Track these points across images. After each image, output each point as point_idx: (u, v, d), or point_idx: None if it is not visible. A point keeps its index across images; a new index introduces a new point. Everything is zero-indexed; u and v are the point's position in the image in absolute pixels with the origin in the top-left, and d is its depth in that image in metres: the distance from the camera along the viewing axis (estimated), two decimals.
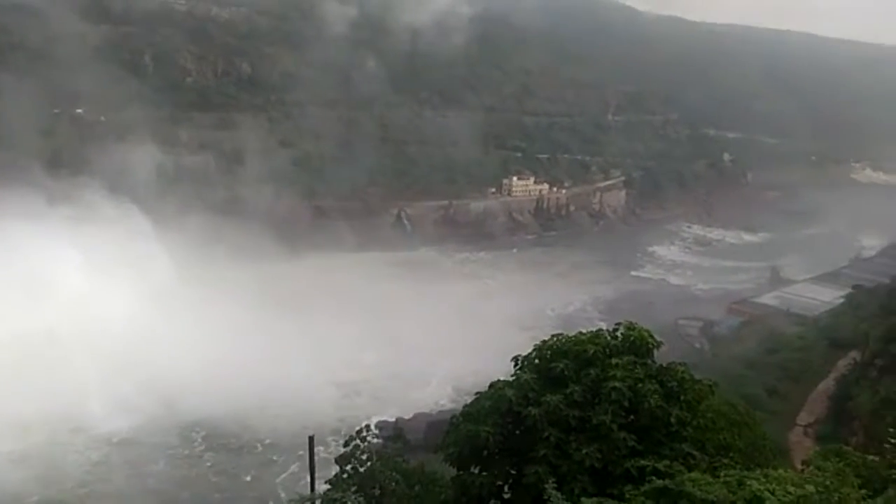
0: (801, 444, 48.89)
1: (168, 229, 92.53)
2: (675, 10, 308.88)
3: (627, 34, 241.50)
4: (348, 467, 19.18)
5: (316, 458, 21.14)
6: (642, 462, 13.15)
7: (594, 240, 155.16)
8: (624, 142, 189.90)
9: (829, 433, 50.10)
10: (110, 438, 64.84)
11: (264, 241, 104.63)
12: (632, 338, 15.43)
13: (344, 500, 16.13)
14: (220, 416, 66.87)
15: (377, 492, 18.62)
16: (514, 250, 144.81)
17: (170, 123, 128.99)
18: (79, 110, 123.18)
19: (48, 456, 59.97)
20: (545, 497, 11.70)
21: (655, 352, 15.54)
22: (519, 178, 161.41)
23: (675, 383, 14.67)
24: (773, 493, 9.99)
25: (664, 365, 15.21)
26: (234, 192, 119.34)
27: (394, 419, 59.93)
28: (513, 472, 14.88)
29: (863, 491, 10.97)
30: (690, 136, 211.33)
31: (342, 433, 21.65)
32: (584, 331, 16.25)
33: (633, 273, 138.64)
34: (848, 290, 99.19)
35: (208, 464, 64.04)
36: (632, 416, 14.27)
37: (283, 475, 61.41)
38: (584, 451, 13.67)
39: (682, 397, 14.64)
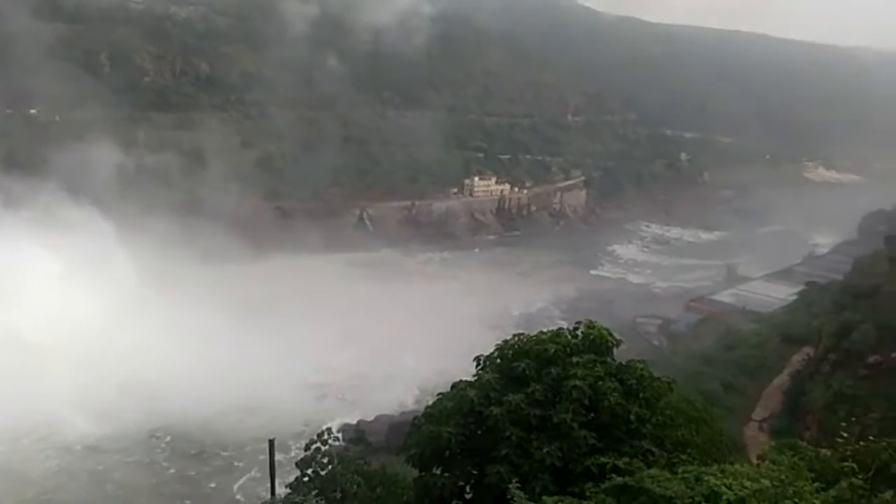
0: (757, 439, 49.85)
1: (131, 231, 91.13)
2: (632, 12, 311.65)
3: (586, 35, 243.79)
4: (309, 471, 19.01)
5: (278, 462, 20.96)
6: (602, 459, 13.29)
7: (555, 239, 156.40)
8: (584, 142, 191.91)
9: (784, 428, 51.15)
10: (73, 446, 63.49)
11: (228, 243, 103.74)
12: (592, 336, 15.58)
13: (304, 503, 16.01)
14: (186, 421, 65.85)
15: (338, 495, 18.50)
16: (477, 250, 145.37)
17: (128, 123, 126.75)
18: (33, 110, 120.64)
19: (8, 464, 58.46)
20: (508, 497, 11.75)
21: (615, 350, 15.71)
22: (480, 179, 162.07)
23: (634, 381, 14.85)
24: (729, 488, 10.16)
25: (624, 363, 15.40)
26: (195, 194, 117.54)
27: (356, 421, 59.64)
28: (475, 472, 14.93)
29: (816, 484, 11.20)
30: (648, 136, 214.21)
31: (306, 437, 21.40)
32: (545, 330, 16.37)
33: (594, 272, 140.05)
34: (801, 287, 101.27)
35: (172, 471, 63.01)
36: (592, 414, 14.41)
37: (242, 480, 60.77)
38: (545, 450, 13.77)
39: (641, 395, 14.83)
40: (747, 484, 10.30)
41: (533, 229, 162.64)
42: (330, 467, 19.03)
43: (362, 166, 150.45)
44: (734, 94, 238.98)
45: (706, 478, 10.59)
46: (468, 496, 15.17)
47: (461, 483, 15.11)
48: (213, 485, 61.50)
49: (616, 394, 14.31)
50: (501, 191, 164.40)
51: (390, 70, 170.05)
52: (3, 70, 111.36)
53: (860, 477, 11.47)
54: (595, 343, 15.52)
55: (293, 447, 42.73)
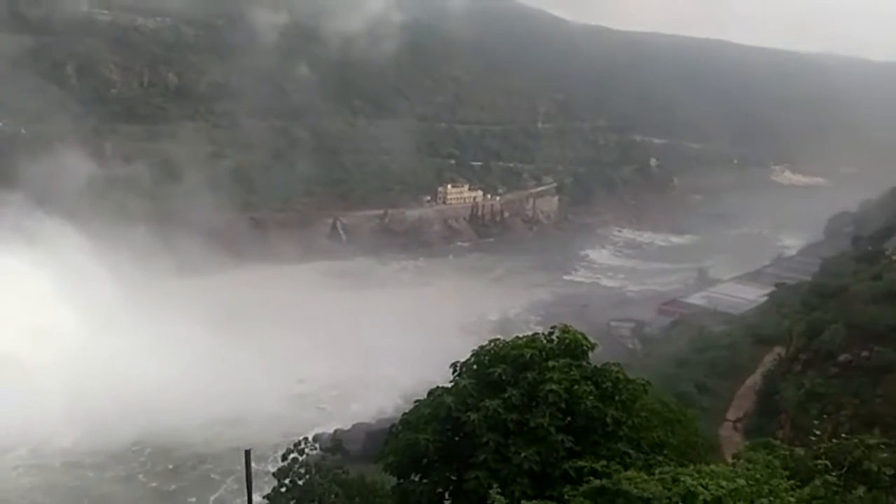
0: (731, 439, 50.33)
1: (106, 243, 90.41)
2: (600, 20, 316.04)
3: (555, 43, 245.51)
4: (286, 481, 18.89)
5: (256, 473, 20.73)
6: (580, 463, 13.33)
7: (529, 245, 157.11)
8: (555, 148, 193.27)
9: (758, 427, 51.64)
10: (52, 462, 62.55)
11: (205, 254, 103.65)
12: (567, 340, 15.63)
13: None
14: (166, 435, 65.19)
15: None
16: (451, 257, 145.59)
17: (95, 135, 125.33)
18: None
19: None
20: (488, 502, 11.75)
21: (590, 353, 15.78)
22: (453, 186, 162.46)
23: (609, 384, 14.92)
24: (706, 488, 10.23)
25: (599, 366, 15.46)
26: (167, 205, 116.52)
27: (333, 431, 59.31)
28: (453, 478, 14.88)
29: (791, 482, 11.32)
30: (618, 142, 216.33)
31: (284, 447, 21.22)
32: (521, 335, 16.41)
33: (567, 277, 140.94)
34: (771, 289, 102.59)
35: (151, 485, 62.21)
36: (569, 418, 14.45)
37: (220, 492, 60.17)
38: (522, 455, 13.77)
39: (616, 397, 14.90)
40: (723, 483, 10.38)
41: (506, 236, 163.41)
42: (307, 477, 18.93)
43: (334, 175, 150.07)
44: (702, 99, 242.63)
45: (683, 478, 10.65)
46: (447, 503, 15.12)
47: (440, 490, 15.07)
48: (192, 499, 60.72)
49: (592, 397, 14.37)
50: (474, 198, 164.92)
51: (360, 79, 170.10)
52: None
53: (833, 474, 11.64)
54: (570, 347, 15.58)
55: (271, 458, 42.39)
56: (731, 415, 58.90)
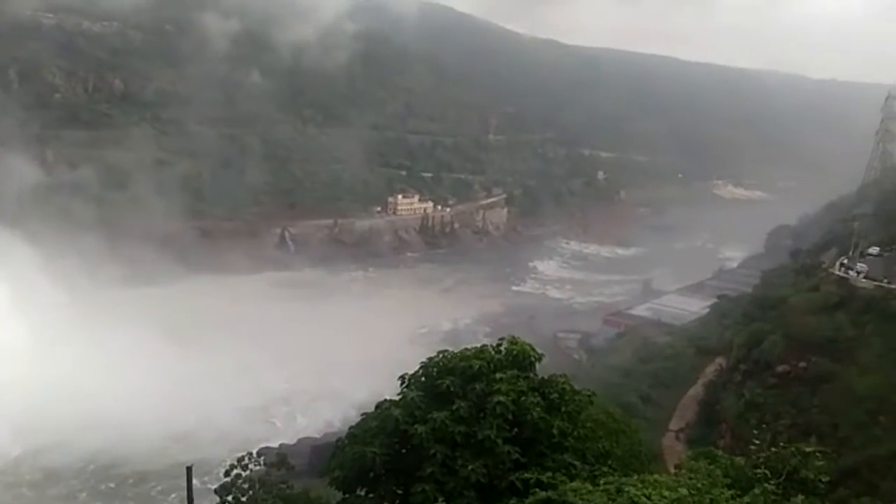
0: (674, 449, 51.23)
1: (51, 251, 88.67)
2: (551, 34, 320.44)
3: (507, 56, 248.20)
4: (229, 497, 18.49)
5: (201, 490, 20.29)
6: (526, 475, 13.36)
7: (478, 256, 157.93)
8: (505, 161, 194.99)
9: (700, 437, 52.66)
10: None
11: (153, 264, 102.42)
12: (515, 352, 15.70)
13: None
14: (111, 450, 63.70)
15: None
16: (402, 268, 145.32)
17: (38, 141, 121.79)
18: None
19: None
20: None
21: (537, 365, 15.86)
22: (404, 197, 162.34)
23: (556, 395, 15.02)
24: (649, 498, 10.36)
25: (546, 377, 15.56)
26: (112, 213, 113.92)
27: (277, 445, 58.34)
28: (400, 491, 14.78)
29: (732, 491, 11.54)
30: (567, 155, 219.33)
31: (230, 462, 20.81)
32: (469, 346, 16.42)
33: (516, 288, 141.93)
34: (713, 300, 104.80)
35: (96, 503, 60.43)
36: (516, 430, 14.49)
37: None
38: (469, 467, 13.75)
39: (563, 408, 15.00)
40: (666, 493, 10.53)
41: (456, 247, 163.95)
42: (251, 493, 18.56)
43: (283, 185, 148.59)
44: (648, 114, 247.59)
45: (627, 488, 10.77)
46: None
47: (386, 503, 14.95)
48: None
49: (539, 408, 14.44)
50: (425, 209, 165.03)
51: (312, 88, 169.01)
52: None
53: (772, 483, 11.92)
54: (518, 358, 15.64)
55: (215, 473, 41.51)
56: (674, 425, 59.98)
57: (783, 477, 12.47)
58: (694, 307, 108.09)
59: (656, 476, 11.93)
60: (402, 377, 16.05)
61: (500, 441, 14.02)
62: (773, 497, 11.65)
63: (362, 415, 16.12)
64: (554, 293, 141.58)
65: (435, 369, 15.67)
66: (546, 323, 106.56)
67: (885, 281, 53.97)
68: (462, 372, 15.29)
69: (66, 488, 61.26)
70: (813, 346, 49.74)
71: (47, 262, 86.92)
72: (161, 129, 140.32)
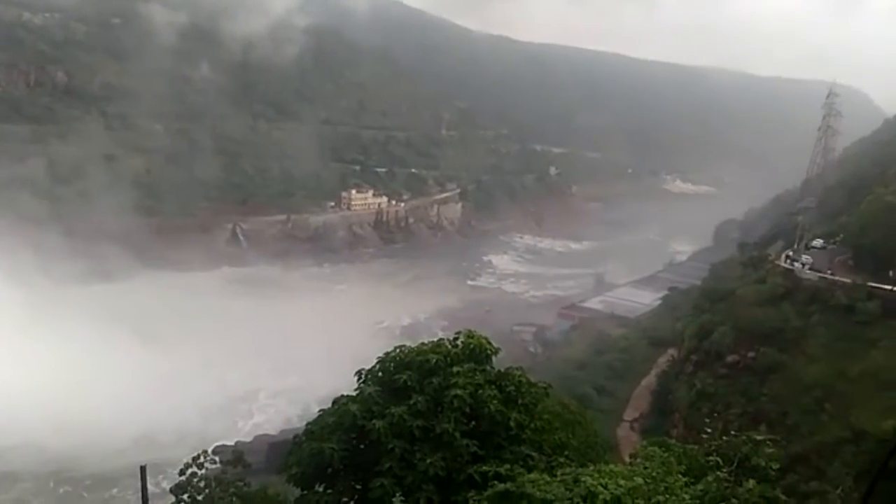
0: (629, 439, 52.12)
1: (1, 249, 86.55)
2: (502, 30, 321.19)
3: (458, 52, 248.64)
4: (185, 496, 18.18)
5: (159, 490, 19.91)
6: (484, 467, 13.41)
7: (434, 251, 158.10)
8: (458, 156, 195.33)
9: (653, 426, 53.66)
10: None
11: (110, 260, 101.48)
12: (471, 346, 15.74)
13: None
14: (67, 451, 61.82)
15: None
16: (357, 263, 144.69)
17: None
18: None
19: None
20: None
21: (494, 358, 15.92)
22: (358, 192, 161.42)
23: (512, 388, 15.10)
24: (605, 488, 10.46)
25: (502, 370, 15.63)
26: (60, 209, 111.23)
27: (233, 442, 57.58)
28: (358, 487, 14.71)
29: (686, 479, 11.72)
30: (520, 150, 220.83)
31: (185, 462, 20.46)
32: (426, 341, 16.41)
33: (472, 282, 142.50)
34: (664, 292, 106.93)
35: None
36: (473, 423, 14.53)
37: None
38: (428, 461, 13.76)
39: (520, 401, 15.08)
40: (622, 483, 10.64)
41: (412, 242, 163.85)
42: (207, 491, 18.27)
43: (234, 180, 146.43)
44: (599, 111, 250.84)
45: (583, 479, 10.85)
46: None
47: (345, 499, 14.85)
48: None
49: (496, 401, 14.51)
50: (379, 204, 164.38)
51: (262, 82, 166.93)
52: None
53: (724, 470, 12.15)
54: (475, 352, 15.69)
55: (170, 473, 40.86)
56: (628, 415, 61.05)
57: (735, 464, 12.72)
58: (646, 299, 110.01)
59: (612, 466, 12.05)
60: (358, 373, 15.98)
61: (457, 434, 14.05)
62: (725, 484, 11.87)
63: (319, 411, 16.00)
64: (509, 287, 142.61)
65: (392, 364, 15.64)
66: (502, 316, 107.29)
67: (829, 272, 55.64)
68: (419, 366, 15.28)
69: (17, 492, 59.48)
70: (761, 336, 51.02)
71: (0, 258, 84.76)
72: (108, 124, 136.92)
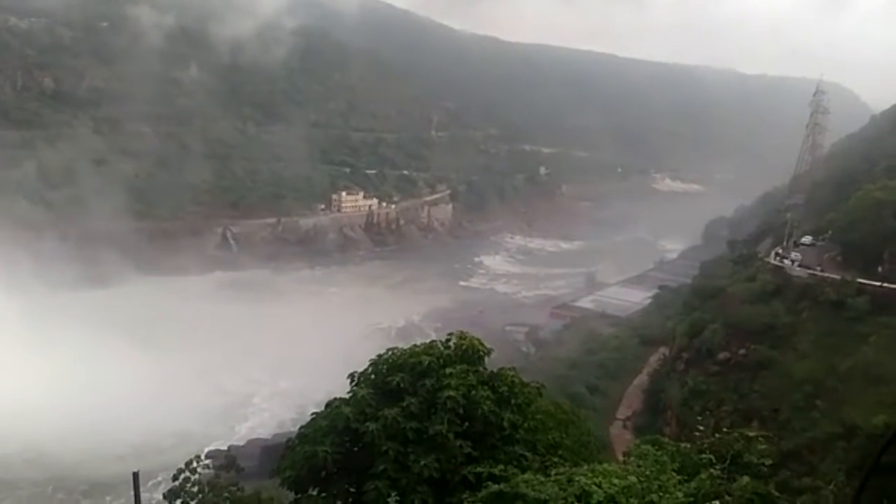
0: (622, 437, 52.21)
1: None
2: (490, 30, 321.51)
3: (446, 52, 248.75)
4: (178, 502, 18.09)
5: (152, 498, 19.81)
6: (478, 468, 13.42)
7: (425, 252, 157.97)
8: (448, 157, 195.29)
9: (646, 424, 53.84)
10: None
11: (100, 266, 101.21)
12: (464, 347, 15.72)
13: None
14: (63, 456, 61.36)
15: None
16: (348, 266, 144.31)
17: None
18: None
19: None
20: None
21: (486, 359, 15.91)
22: (348, 194, 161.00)
23: (505, 388, 15.10)
24: (599, 487, 10.48)
25: (495, 371, 15.64)
26: (52, 215, 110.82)
27: (226, 447, 57.43)
28: (352, 490, 14.68)
29: (679, 477, 11.75)
30: (509, 151, 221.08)
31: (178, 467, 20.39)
32: (419, 342, 16.39)
33: (463, 283, 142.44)
34: (655, 291, 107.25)
35: None
36: (467, 424, 14.52)
37: None
38: (422, 463, 13.74)
39: (513, 401, 15.09)
40: (616, 482, 10.66)
41: (403, 243, 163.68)
42: (200, 496, 18.20)
43: (224, 183, 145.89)
44: (588, 110, 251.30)
45: (577, 478, 10.86)
46: None
47: (339, 502, 14.83)
48: None
49: (489, 402, 14.50)
50: (370, 206, 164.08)
51: (251, 84, 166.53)
52: None
53: (717, 467, 12.18)
54: (467, 353, 15.67)
55: (168, 478, 40.69)
56: (621, 414, 61.20)
57: (728, 461, 12.74)
58: (636, 298, 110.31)
59: (606, 465, 12.07)
60: (351, 375, 15.95)
61: (451, 436, 14.03)
62: (718, 481, 11.89)
63: (312, 414, 15.96)
64: (501, 287, 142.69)
65: (384, 366, 15.60)
66: (494, 317, 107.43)
67: (819, 269, 55.99)
68: (412, 368, 15.25)
69: (16, 499, 59.11)
70: (752, 333, 51.29)
71: None
72: (97, 128, 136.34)
